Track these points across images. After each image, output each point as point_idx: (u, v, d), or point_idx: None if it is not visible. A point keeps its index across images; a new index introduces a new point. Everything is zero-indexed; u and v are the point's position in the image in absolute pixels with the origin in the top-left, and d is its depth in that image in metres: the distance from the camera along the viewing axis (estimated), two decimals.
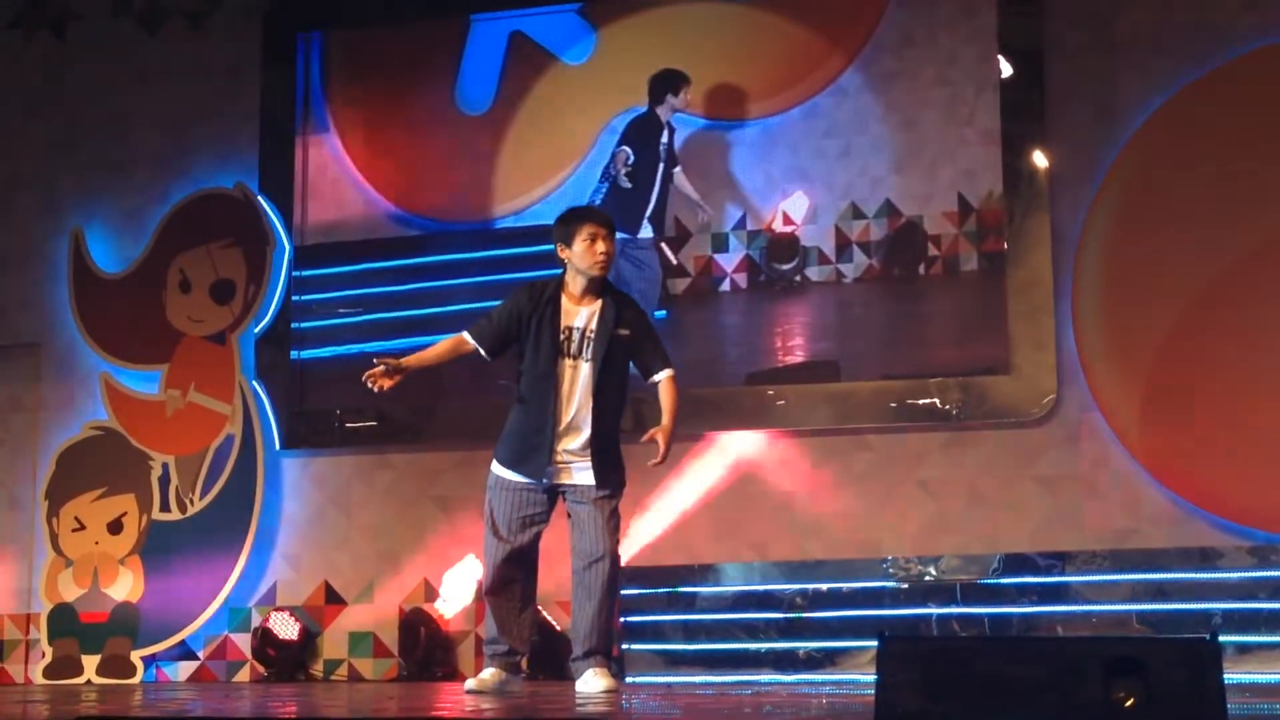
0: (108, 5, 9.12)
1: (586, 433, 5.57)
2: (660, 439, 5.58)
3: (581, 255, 5.60)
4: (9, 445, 8.97)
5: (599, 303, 5.64)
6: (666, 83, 8.24)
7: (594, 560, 5.57)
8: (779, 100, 8.13)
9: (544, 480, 5.60)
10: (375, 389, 5.61)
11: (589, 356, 5.58)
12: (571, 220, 5.69)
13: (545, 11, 8.54)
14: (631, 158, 8.20)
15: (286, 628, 8.19)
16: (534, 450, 5.59)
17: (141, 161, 8.99)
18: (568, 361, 5.60)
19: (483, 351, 5.73)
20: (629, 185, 8.18)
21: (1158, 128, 7.56)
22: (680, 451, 7.96)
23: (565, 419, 5.58)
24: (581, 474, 5.59)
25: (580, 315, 5.62)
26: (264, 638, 8.16)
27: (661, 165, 8.20)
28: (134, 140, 9.02)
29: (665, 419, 5.63)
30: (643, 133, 8.26)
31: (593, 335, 5.58)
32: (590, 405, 5.56)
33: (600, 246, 5.58)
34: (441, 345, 5.77)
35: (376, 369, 5.59)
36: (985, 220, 7.75)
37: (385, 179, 8.68)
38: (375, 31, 8.81)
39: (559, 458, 5.59)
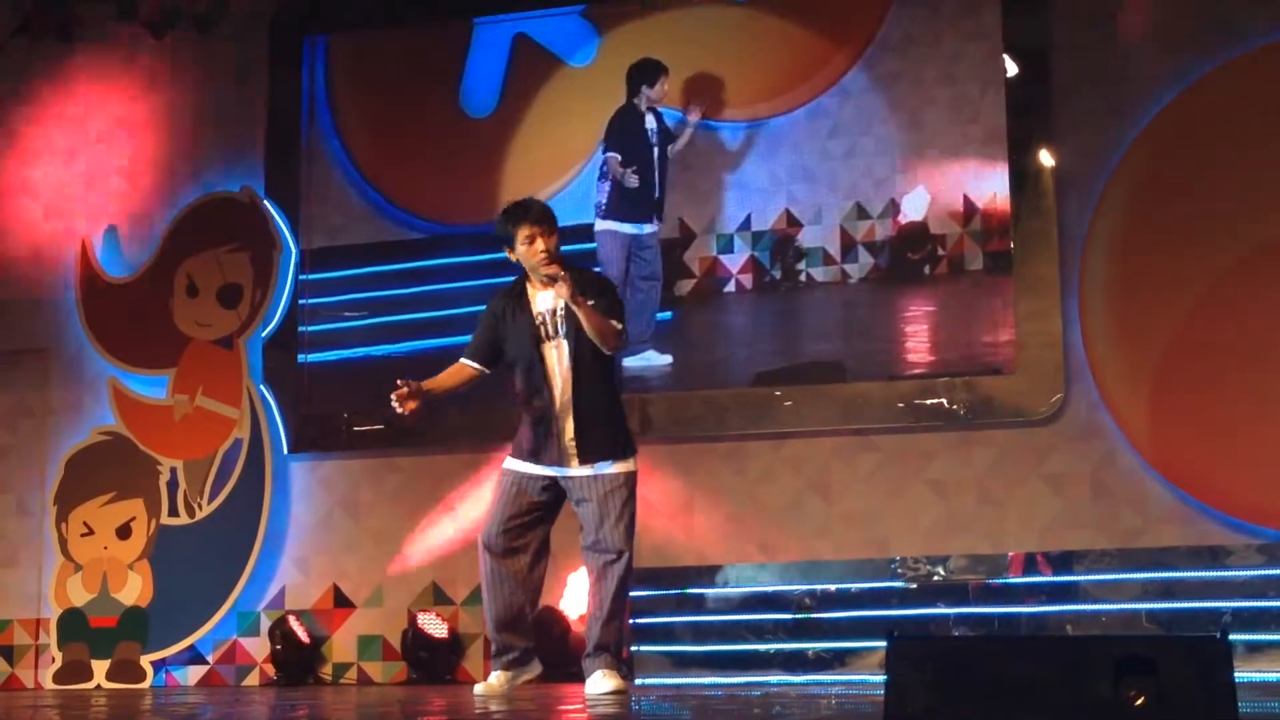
0: (114, 10, 9.14)
1: (581, 408, 5.57)
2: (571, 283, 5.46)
3: (525, 256, 5.60)
4: (18, 451, 8.98)
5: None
6: (642, 74, 8.23)
7: (609, 560, 5.57)
8: (783, 101, 8.13)
9: (559, 468, 5.60)
10: (402, 410, 5.61)
11: (565, 333, 5.58)
12: (509, 221, 5.63)
13: (548, 14, 8.55)
14: (620, 158, 8.20)
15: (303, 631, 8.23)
16: (545, 438, 5.61)
17: (148, 166, 9.00)
18: (549, 345, 5.61)
19: (481, 367, 5.76)
20: (635, 183, 8.17)
21: (1164, 125, 7.55)
22: (688, 452, 7.97)
23: (562, 399, 5.59)
24: (582, 462, 5.59)
25: (548, 298, 5.63)
26: (284, 639, 8.18)
27: (655, 150, 8.20)
28: (140, 145, 9.03)
29: (582, 297, 5.48)
30: (624, 125, 8.25)
31: (563, 313, 5.59)
32: (571, 375, 5.57)
33: (540, 245, 5.54)
34: (448, 371, 5.79)
35: (401, 390, 5.59)
36: (991, 219, 7.75)
37: (391, 182, 8.69)
38: (380, 35, 8.82)
39: (565, 443, 5.59)
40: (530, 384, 5.61)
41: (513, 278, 5.80)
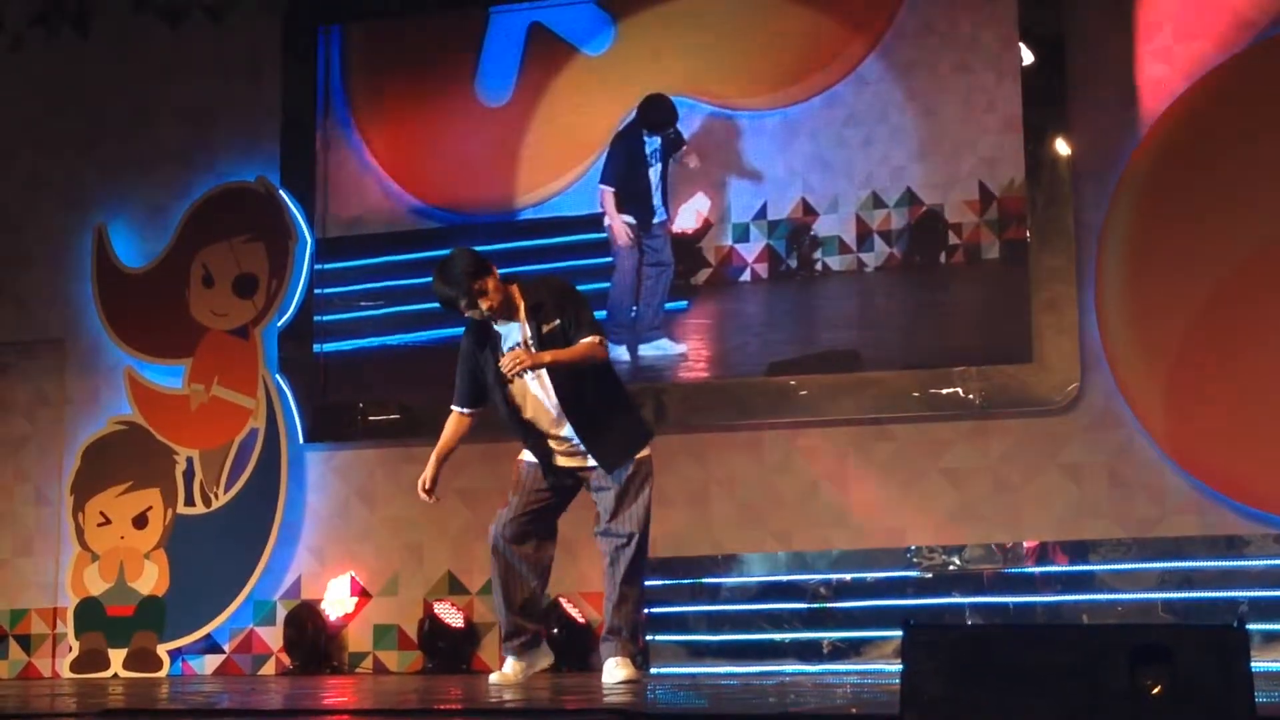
0: (129, 1, 9.14)
1: (584, 428, 5.55)
2: (526, 353, 5.42)
3: (476, 314, 5.50)
4: (35, 440, 9.01)
5: (522, 309, 5.55)
6: (650, 118, 8.20)
7: (622, 544, 5.58)
8: (799, 89, 8.12)
9: (560, 471, 5.63)
10: (433, 501, 5.74)
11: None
12: (442, 297, 5.50)
13: (564, 3, 8.54)
14: (614, 190, 8.19)
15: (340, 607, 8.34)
16: (552, 462, 5.64)
17: (164, 157, 9.02)
18: (526, 380, 5.54)
19: (470, 411, 5.73)
20: (628, 240, 8.16)
21: (1181, 114, 7.52)
22: (703, 442, 7.97)
23: (548, 429, 5.58)
24: (608, 472, 5.59)
25: (514, 331, 5.53)
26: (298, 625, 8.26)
27: (658, 168, 8.18)
28: (156, 135, 9.05)
29: (548, 352, 5.42)
30: (624, 151, 8.25)
31: (532, 345, 5.49)
32: (560, 406, 5.53)
33: (482, 305, 5.43)
34: (446, 431, 5.77)
35: (424, 493, 5.69)
36: (1007, 209, 7.73)
37: (406, 171, 8.69)
38: (394, 24, 8.82)
39: (561, 452, 5.61)
40: (516, 422, 5.59)
41: (521, 269, 5.78)
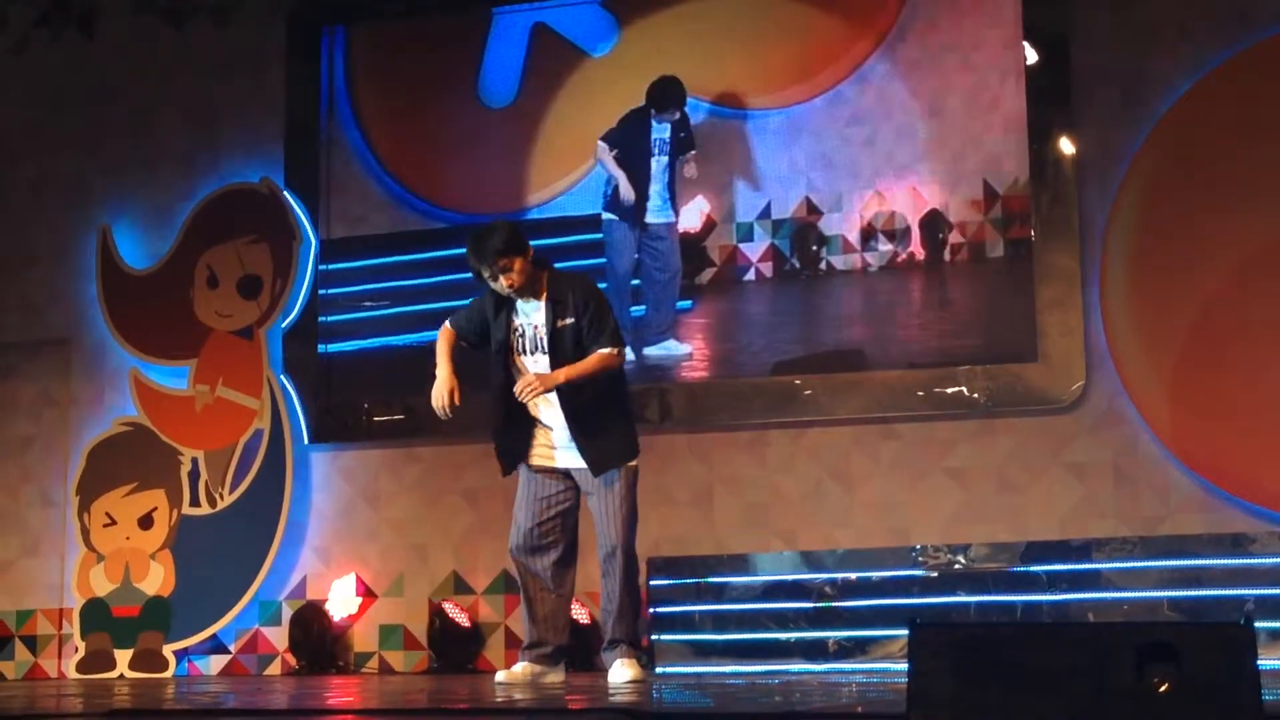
0: (132, 1, 9.15)
1: (565, 424, 5.57)
2: (539, 377, 5.47)
3: (498, 288, 5.56)
4: (40, 441, 9.02)
5: (545, 295, 5.60)
6: (657, 98, 8.20)
7: (608, 554, 5.63)
8: (803, 88, 8.11)
9: (541, 470, 5.63)
10: (451, 409, 5.61)
11: (545, 350, 5.55)
12: (469, 263, 5.58)
13: (568, 3, 8.54)
14: (608, 147, 8.19)
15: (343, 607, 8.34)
16: (510, 442, 5.66)
17: (168, 158, 9.02)
18: (525, 359, 5.57)
19: (460, 338, 5.77)
20: (630, 196, 8.15)
21: (1185, 112, 7.52)
22: (708, 442, 7.97)
23: (535, 411, 5.60)
24: (577, 459, 5.61)
25: (531, 312, 5.59)
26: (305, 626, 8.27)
27: (664, 157, 8.16)
28: (160, 136, 9.06)
29: (561, 370, 5.49)
30: (629, 128, 8.25)
31: (543, 331, 5.55)
32: (556, 399, 5.55)
33: (503, 282, 5.49)
34: (441, 344, 5.77)
35: (448, 408, 5.60)
36: (1011, 207, 7.73)
37: (410, 172, 8.69)
38: (398, 25, 8.83)
39: (549, 446, 5.61)
40: (500, 391, 5.60)
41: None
